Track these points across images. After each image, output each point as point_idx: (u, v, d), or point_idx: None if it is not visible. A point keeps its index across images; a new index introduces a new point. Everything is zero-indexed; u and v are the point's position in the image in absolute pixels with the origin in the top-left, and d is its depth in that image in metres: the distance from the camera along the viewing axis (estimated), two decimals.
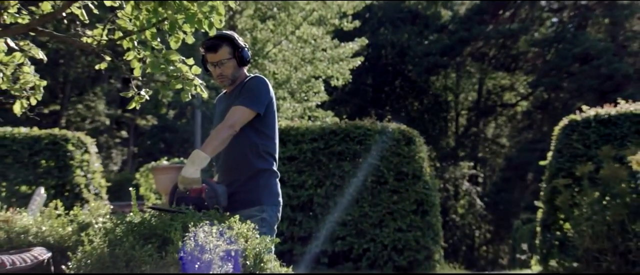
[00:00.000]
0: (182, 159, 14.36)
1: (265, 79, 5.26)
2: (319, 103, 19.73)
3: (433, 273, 12.07)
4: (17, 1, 5.17)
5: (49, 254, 4.75)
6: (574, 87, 28.99)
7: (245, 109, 5.02)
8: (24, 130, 12.88)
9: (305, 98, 19.46)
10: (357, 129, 12.73)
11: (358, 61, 19.89)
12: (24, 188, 12.20)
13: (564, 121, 11.83)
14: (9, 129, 12.89)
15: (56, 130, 13.18)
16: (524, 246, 16.19)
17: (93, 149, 13.26)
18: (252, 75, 5.26)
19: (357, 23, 20.41)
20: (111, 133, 32.10)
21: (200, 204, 4.85)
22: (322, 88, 19.55)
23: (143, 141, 34.58)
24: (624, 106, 11.38)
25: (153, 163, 12.66)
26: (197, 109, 24.14)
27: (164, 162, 13.28)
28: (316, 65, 19.26)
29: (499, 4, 32.21)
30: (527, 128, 33.09)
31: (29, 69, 5.13)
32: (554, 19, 32.77)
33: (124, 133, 33.07)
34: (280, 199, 5.26)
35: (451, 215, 32.02)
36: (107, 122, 31.78)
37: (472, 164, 34.51)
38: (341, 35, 20.57)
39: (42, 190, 8.21)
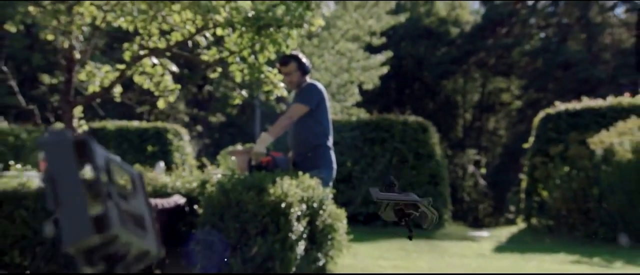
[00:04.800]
0: (252, 144, 15.04)
1: (317, 83, 6.10)
2: (354, 103, 19.95)
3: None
4: (157, 31, 6.16)
5: (185, 200, 5.57)
6: (558, 89, 28.96)
7: (299, 105, 5.82)
8: (135, 123, 13.77)
9: (343, 99, 19.67)
10: (384, 121, 13.09)
11: (384, 69, 20.10)
12: (135, 167, 13.13)
13: (542, 114, 12.18)
14: (124, 122, 13.80)
15: (159, 123, 14.07)
16: (512, 208, 16.64)
17: (186, 137, 14.00)
18: (309, 81, 6.18)
19: (383, 39, 20.60)
20: (189, 128, 32.66)
21: (267, 170, 5.80)
22: (356, 91, 19.80)
23: (213, 134, 35.07)
24: (587, 102, 11.70)
25: (230, 147, 13.41)
26: (257, 108, 24.60)
27: (239, 147, 14.01)
28: (351, 73, 19.49)
29: (497, 23, 32.23)
30: (520, 122, 33.04)
31: (168, 77, 6.09)
32: (542, 34, 32.80)
33: (199, 127, 33.61)
34: (334, 165, 6.17)
35: (460, 193, 32.06)
36: (186, 119, 32.43)
37: (476, 151, 34.62)
38: (371, 49, 20.68)
39: (162, 163, 8.98)
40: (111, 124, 13.67)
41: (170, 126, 13.93)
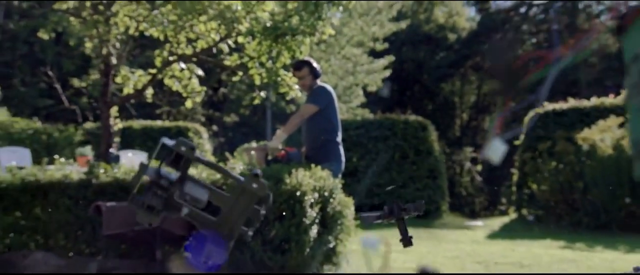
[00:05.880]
0: (265, 142, 15.27)
1: (327, 86, 6.34)
2: (359, 104, 20.08)
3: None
4: (184, 39, 6.45)
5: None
6: (548, 90, 29.18)
7: (309, 105, 6.08)
8: (158, 122, 13.99)
9: (349, 100, 19.82)
10: (387, 120, 13.29)
11: (386, 73, 20.23)
12: None
13: (531, 113, 12.27)
14: (149, 121, 14.02)
15: (180, 123, 14.30)
16: (504, 200, 16.82)
17: (205, 135, 14.16)
18: (320, 84, 6.44)
19: (386, 45, 20.70)
20: (205, 127, 32.64)
21: (283, 163, 6.07)
22: (361, 93, 19.97)
23: (227, 133, 35.16)
24: (572, 102, 11.86)
25: (245, 145, 13.60)
26: (268, 108, 24.74)
27: (253, 144, 14.18)
28: (356, 76, 19.66)
29: (491, 29, 32.23)
30: (513, 121, 33.14)
31: (194, 80, 6.37)
32: (533, 40, 32.96)
33: (214, 127, 33.71)
34: (343, 158, 6.43)
35: (457, 188, 32.00)
36: (203, 119, 32.57)
37: (473, 148, 34.65)
38: (374, 54, 20.86)
39: None
40: (137, 123, 13.89)
41: (191, 125, 14.12)
